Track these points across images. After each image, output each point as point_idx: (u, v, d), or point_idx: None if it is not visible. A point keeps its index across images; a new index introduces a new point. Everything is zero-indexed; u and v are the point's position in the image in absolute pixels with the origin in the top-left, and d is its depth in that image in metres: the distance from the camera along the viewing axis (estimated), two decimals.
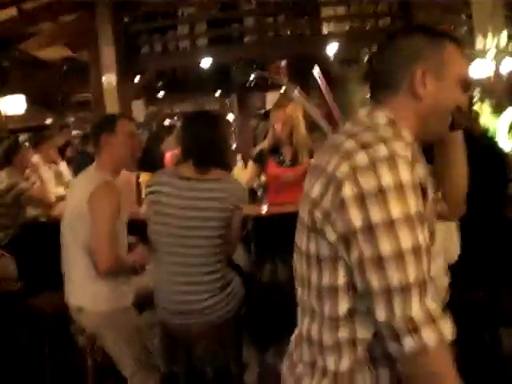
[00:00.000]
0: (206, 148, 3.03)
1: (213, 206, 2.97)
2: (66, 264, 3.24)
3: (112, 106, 4.97)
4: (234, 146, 11.50)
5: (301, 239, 1.47)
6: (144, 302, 3.54)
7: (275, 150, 4.59)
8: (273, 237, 3.88)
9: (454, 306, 3.01)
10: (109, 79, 4.95)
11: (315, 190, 1.40)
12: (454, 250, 2.96)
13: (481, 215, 3.20)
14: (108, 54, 4.96)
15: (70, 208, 3.24)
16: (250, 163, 4.72)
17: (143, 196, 4.36)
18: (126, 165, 3.42)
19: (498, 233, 3.25)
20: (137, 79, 6.11)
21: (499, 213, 3.31)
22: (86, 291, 3.15)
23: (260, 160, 4.64)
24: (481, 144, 3.29)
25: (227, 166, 3.18)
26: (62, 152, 7.97)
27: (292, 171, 4.54)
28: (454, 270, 2.94)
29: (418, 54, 1.47)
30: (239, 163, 6.40)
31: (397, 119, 1.47)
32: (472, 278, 3.18)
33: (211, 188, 2.99)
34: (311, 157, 4.55)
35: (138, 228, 3.68)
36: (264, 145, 4.68)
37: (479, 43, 5.45)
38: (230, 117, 12.53)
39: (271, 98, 9.93)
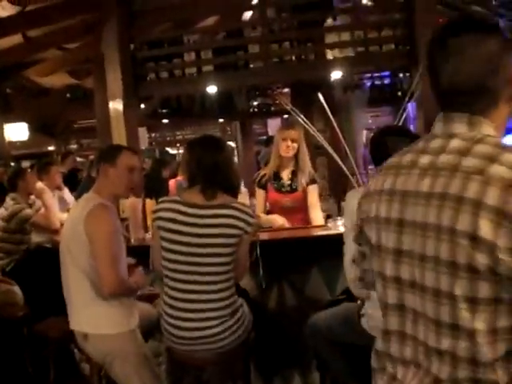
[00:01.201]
0: (212, 172, 3.03)
1: (222, 232, 2.95)
2: (67, 288, 3.22)
3: (119, 132, 4.96)
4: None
5: (437, 250, 1.34)
6: (149, 330, 3.51)
7: (275, 174, 4.62)
8: (279, 262, 3.87)
9: None
10: (115, 106, 4.97)
11: (478, 228, 1.27)
12: None
13: None
14: (114, 80, 4.98)
15: (67, 231, 3.24)
16: (257, 190, 4.72)
17: (149, 222, 4.36)
18: (122, 196, 3.45)
19: None
20: (142, 106, 6.15)
21: None
22: (89, 315, 3.13)
23: (263, 185, 4.66)
24: None
25: (234, 191, 3.16)
26: (68, 179, 8.01)
27: (289, 197, 4.57)
28: None
29: (501, 56, 1.40)
30: (243, 189, 6.41)
31: (495, 129, 1.42)
32: None
33: (219, 214, 2.98)
34: (311, 182, 4.58)
35: (135, 250, 3.68)
36: (266, 170, 4.70)
37: None
38: (233, 144, 12.58)
39: (273, 124, 10.01)
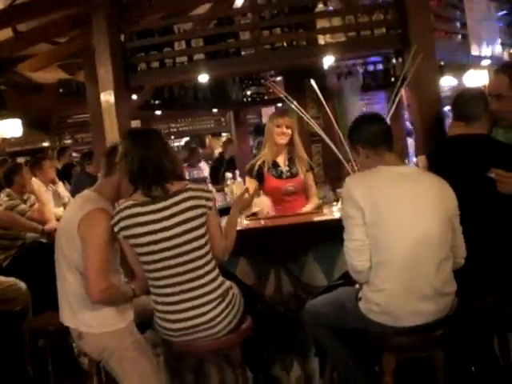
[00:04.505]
0: (151, 169, 2.94)
1: (188, 216, 2.92)
2: (60, 287, 3.18)
3: (111, 125, 4.91)
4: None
5: None
6: (146, 321, 3.49)
7: (272, 163, 4.62)
8: (276, 249, 3.86)
9: (462, 312, 2.99)
10: (107, 97, 4.92)
11: None
12: None
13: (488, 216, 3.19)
14: (105, 72, 4.93)
15: (61, 230, 3.19)
16: (248, 179, 4.69)
17: None
18: (127, 194, 3.34)
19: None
20: (134, 97, 6.09)
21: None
22: (82, 315, 3.09)
23: (258, 175, 4.64)
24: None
25: (178, 177, 3.10)
26: (63, 173, 7.99)
27: (292, 182, 4.59)
28: (461, 275, 2.92)
29: None
30: (239, 178, 6.41)
31: None
32: (480, 283, 3.15)
33: (178, 201, 2.94)
34: (310, 168, 4.64)
35: None
36: (261, 159, 4.67)
37: (474, 51, 5.46)
38: (228, 134, 12.54)
39: (267, 113, 9.97)
